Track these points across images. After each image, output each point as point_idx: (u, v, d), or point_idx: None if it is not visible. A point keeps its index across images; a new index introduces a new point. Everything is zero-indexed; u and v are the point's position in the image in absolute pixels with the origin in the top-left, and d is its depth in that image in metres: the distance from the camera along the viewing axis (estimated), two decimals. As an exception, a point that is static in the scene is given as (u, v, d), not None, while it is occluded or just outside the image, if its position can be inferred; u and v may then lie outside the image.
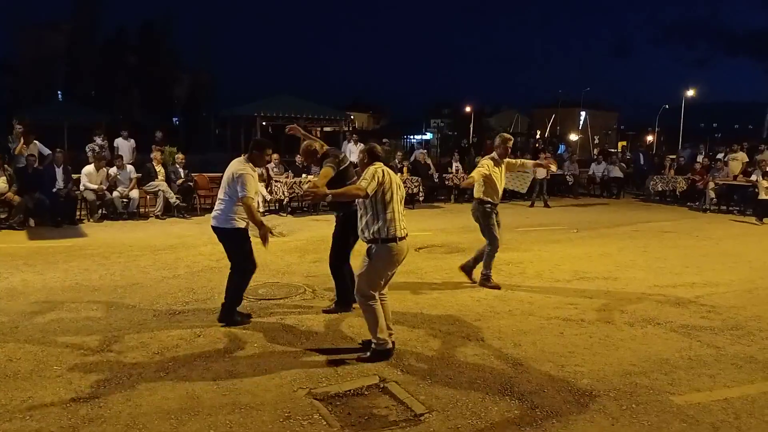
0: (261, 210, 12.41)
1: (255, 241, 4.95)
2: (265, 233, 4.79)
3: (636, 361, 4.42)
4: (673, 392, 3.91)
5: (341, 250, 5.46)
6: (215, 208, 5.08)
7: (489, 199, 6.44)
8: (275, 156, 13.58)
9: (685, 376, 4.17)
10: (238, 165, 4.94)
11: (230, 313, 5.06)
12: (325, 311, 5.46)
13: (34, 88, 36.51)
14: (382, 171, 4.31)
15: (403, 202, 4.45)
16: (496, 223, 6.52)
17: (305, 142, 5.61)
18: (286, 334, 4.87)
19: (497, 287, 6.38)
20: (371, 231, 4.26)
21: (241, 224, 4.96)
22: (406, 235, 4.35)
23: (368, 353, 4.33)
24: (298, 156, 11.38)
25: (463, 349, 4.60)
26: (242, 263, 5.03)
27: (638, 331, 5.12)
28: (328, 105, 25.31)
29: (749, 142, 17.55)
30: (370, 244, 4.31)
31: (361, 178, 4.30)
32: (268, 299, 5.88)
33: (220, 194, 5.02)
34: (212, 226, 5.07)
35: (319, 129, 26.13)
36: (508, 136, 6.66)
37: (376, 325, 4.31)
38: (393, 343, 4.42)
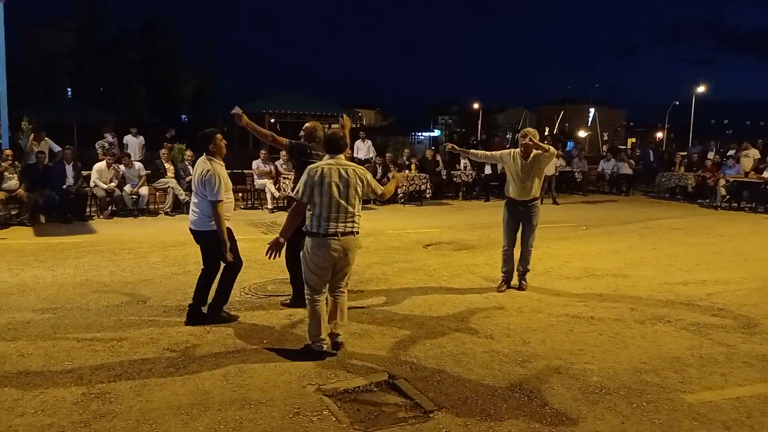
0: (270, 207, 12.45)
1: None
2: (226, 249, 4.72)
3: (646, 359, 4.39)
4: (684, 390, 3.88)
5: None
6: (191, 209, 4.93)
7: (507, 195, 6.26)
8: (283, 153, 13.59)
9: (697, 375, 4.14)
10: (202, 165, 4.78)
11: (216, 312, 5.01)
12: (285, 304, 5.51)
13: (38, 87, 36.73)
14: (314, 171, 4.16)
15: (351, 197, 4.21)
16: (509, 221, 6.19)
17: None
18: (295, 330, 4.88)
19: (499, 290, 6.19)
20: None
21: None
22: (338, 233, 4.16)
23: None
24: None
25: (472, 347, 4.58)
26: (226, 263, 4.91)
27: (648, 329, 5.09)
28: (336, 103, 25.30)
29: (763, 140, 17.36)
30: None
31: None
32: (277, 295, 5.89)
33: (193, 197, 4.91)
34: (190, 229, 4.94)
35: (326, 126, 26.15)
36: (524, 131, 6.31)
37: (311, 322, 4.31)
38: (336, 345, 4.38)
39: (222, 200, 4.67)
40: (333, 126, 5.03)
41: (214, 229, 4.74)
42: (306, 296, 4.33)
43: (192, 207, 4.91)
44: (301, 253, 4.27)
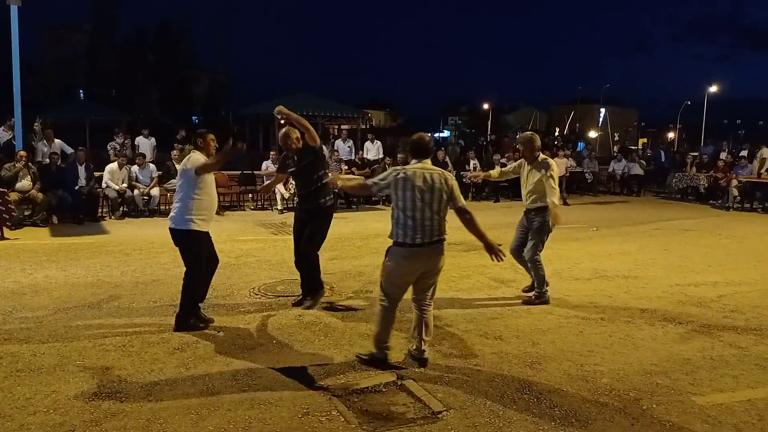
0: (279, 207, 12.50)
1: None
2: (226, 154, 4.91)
3: (657, 361, 4.37)
4: (694, 392, 3.85)
5: (321, 241, 5.51)
6: (172, 208, 4.92)
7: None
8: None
9: (708, 377, 4.11)
10: (188, 159, 4.84)
11: (184, 318, 4.91)
12: (295, 305, 5.52)
13: (55, 88, 37.14)
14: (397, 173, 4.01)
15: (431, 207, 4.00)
16: (517, 225, 6.06)
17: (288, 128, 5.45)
18: (304, 331, 4.89)
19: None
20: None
21: (197, 226, 4.75)
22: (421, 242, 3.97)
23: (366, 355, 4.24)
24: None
25: (481, 348, 4.58)
26: (192, 264, 4.87)
27: (659, 331, 5.06)
28: (346, 103, 25.34)
29: None
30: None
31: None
32: (287, 296, 5.91)
33: (176, 195, 4.88)
34: (169, 229, 4.86)
35: (336, 126, 26.19)
36: (521, 135, 6.13)
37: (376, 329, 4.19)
38: (423, 361, 4.19)
39: (203, 166, 4.69)
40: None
41: (189, 229, 4.73)
42: (381, 303, 4.17)
43: (174, 203, 4.91)
44: (383, 263, 4.11)
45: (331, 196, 5.51)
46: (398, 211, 4.00)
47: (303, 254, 5.43)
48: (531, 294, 5.93)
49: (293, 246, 5.58)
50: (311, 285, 5.45)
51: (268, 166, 13.09)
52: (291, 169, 5.48)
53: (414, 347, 4.24)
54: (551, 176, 5.56)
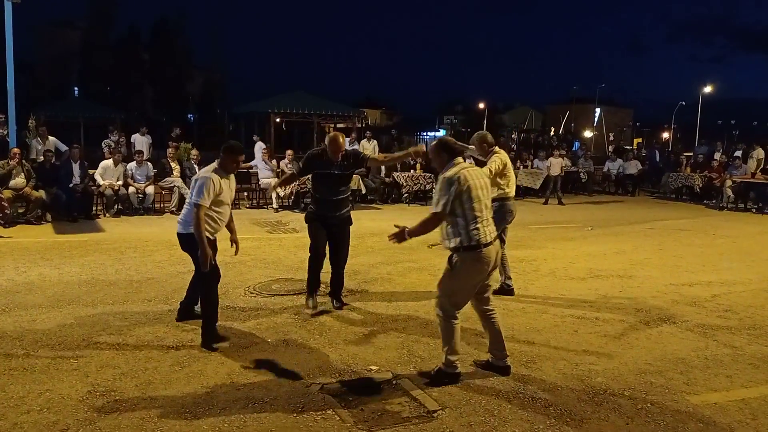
0: (275, 206, 12.47)
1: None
2: (206, 255, 4.33)
3: (651, 360, 4.38)
4: (689, 392, 3.87)
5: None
6: (181, 212, 4.73)
7: None
8: (289, 152, 13.64)
9: (702, 376, 4.13)
10: (204, 169, 4.61)
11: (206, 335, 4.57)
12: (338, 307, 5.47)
13: (49, 86, 36.98)
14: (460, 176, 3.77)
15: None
16: None
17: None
18: (300, 330, 4.89)
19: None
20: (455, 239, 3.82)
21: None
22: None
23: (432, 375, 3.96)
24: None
25: (476, 347, 4.57)
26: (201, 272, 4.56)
27: (653, 330, 5.08)
28: (342, 102, 25.30)
29: None
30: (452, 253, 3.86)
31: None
32: (282, 295, 5.90)
33: (188, 199, 4.66)
34: (177, 233, 4.67)
35: (332, 125, 26.15)
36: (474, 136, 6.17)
37: (447, 343, 3.90)
38: (506, 370, 4.05)
39: (204, 205, 4.39)
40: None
41: (190, 232, 4.47)
42: (445, 317, 3.87)
43: (183, 209, 4.74)
44: (452, 273, 3.86)
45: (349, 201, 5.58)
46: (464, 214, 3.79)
47: (340, 270, 5.46)
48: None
49: (316, 250, 5.33)
50: (338, 292, 5.54)
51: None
52: (328, 171, 5.19)
53: (495, 358, 4.09)
54: (493, 161, 5.71)
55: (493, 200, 5.78)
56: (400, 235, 3.91)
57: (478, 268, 3.81)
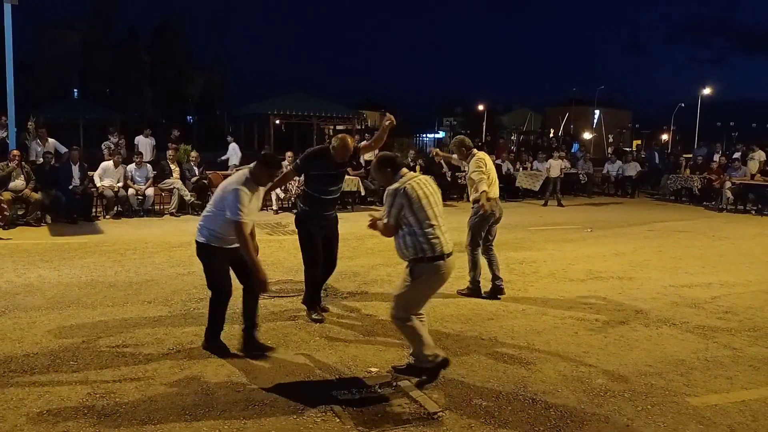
0: (275, 207, 12.47)
1: None
2: (262, 279, 4.05)
3: (651, 362, 4.38)
4: (689, 393, 3.87)
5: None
6: (201, 219, 4.35)
7: None
8: (289, 154, 13.65)
9: (702, 378, 4.13)
10: (237, 177, 4.23)
11: (210, 343, 4.41)
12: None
13: (49, 87, 36.98)
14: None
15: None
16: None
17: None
18: (299, 332, 4.88)
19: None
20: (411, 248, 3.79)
21: (216, 242, 4.23)
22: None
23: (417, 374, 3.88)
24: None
25: (476, 348, 4.58)
26: (211, 288, 4.36)
27: (653, 332, 5.08)
28: (342, 104, 25.31)
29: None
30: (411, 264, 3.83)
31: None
32: (282, 296, 5.90)
33: (207, 207, 4.35)
34: (196, 241, 4.33)
35: (332, 126, 26.16)
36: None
37: (417, 343, 3.84)
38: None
39: (243, 222, 4.04)
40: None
41: (204, 242, 4.23)
42: (401, 323, 3.83)
43: (205, 212, 4.36)
44: (411, 284, 3.82)
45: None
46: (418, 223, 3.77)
47: (332, 269, 5.45)
48: (466, 287, 6.12)
49: (316, 260, 5.24)
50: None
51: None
52: (327, 172, 5.16)
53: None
54: (477, 167, 5.84)
55: (474, 201, 5.98)
56: (373, 225, 3.97)
57: (438, 278, 3.82)
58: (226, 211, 4.07)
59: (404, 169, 3.92)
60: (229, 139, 15.74)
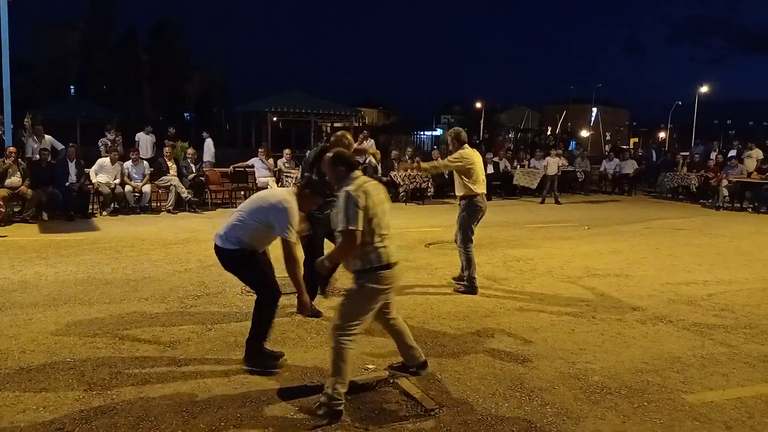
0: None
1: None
2: (306, 302, 3.92)
3: (648, 359, 4.39)
4: (685, 390, 3.88)
5: None
6: (223, 226, 4.08)
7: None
8: (287, 151, 13.68)
9: (698, 375, 4.14)
10: (283, 193, 4.04)
11: (255, 353, 4.07)
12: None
13: (47, 86, 36.88)
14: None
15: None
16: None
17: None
18: (297, 328, 4.88)
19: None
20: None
21: (250, 248, 4.04)
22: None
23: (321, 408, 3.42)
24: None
25: (473, 346, 4.59)
26: (260, 289, 4.13)
27: (650, 329, 5.09)
28: (340, 102, 25.28)
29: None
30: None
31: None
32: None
33: (236, 215, 4.06)
34: (214, 245, 4.10)
35: (329, 124, 26.13)
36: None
37: (338, 371, 3.47)
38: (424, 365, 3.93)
39: (293, 241, 3.88)
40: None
41: (233, 248, 3.98)
42: (342, 340, 3.48)
43: (232, 220, 4.05)
44: (356, 296, 3.60)
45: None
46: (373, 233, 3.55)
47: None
48: (461, 284, 6.14)
49: (315, 255, 5.10)
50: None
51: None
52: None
53: (412, 361, 3.94)
54: (456, 157, 6.04)
55: (461, 197, 6.11)
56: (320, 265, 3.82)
57: (384, 289, 3.58)
58: (274, 226, 3.86)
59: (358, 171, 3.64)
60: (205, 134, 15.50)
